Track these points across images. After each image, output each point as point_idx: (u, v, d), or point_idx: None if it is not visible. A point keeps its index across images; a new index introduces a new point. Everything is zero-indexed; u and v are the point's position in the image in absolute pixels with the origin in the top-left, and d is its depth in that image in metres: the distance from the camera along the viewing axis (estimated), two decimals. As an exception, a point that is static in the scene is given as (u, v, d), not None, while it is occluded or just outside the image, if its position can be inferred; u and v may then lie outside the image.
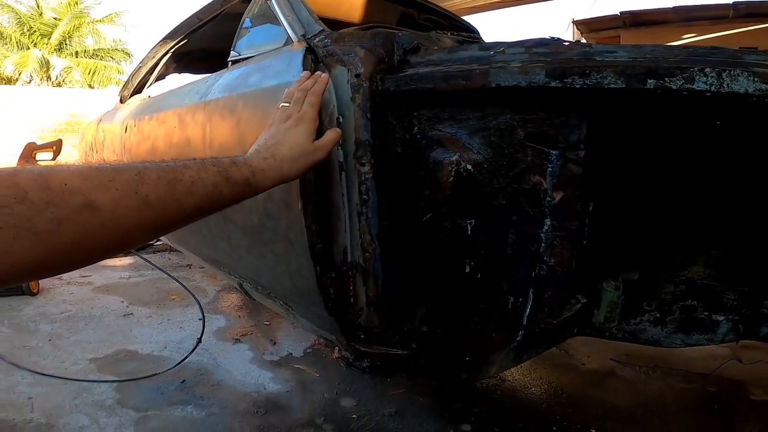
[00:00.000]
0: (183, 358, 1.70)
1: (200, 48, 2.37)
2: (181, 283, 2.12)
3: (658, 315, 0.94)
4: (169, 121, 1.48)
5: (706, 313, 0.95)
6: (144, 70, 2.44)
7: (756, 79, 0.53)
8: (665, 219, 0.84)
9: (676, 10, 4.93)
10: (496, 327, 0.79)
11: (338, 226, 0.93)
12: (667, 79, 0.55)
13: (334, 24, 1.23)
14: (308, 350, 1.85)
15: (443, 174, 0.77)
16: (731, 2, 4.50)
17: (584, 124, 0.65)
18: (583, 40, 5.47)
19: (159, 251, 3.38)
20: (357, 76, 0.89)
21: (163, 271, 2.05)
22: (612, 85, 0.59)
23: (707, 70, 0.54)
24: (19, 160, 2.40)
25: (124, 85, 2.58)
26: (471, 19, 2.24)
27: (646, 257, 0.92)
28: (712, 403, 1.43)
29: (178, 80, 2.49)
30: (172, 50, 2.28)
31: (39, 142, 2.46)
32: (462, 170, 0.75)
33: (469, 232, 0.77)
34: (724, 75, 0.53)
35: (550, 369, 1.69)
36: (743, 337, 0.94)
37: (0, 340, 1.92)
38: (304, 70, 0.93)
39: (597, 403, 1.46)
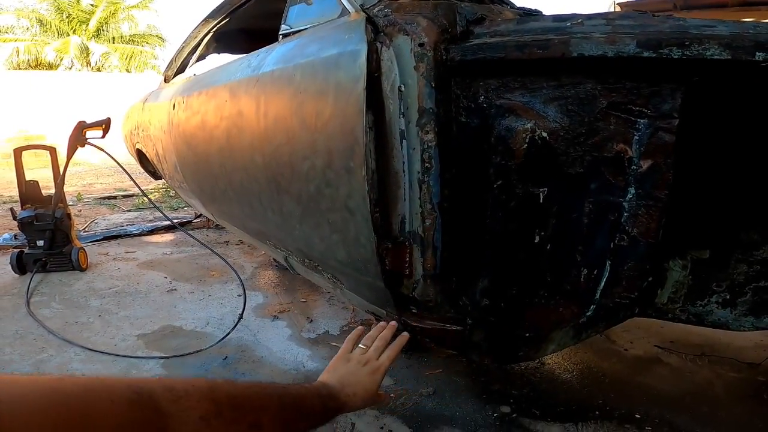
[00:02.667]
0: (225, 335, 1.73)
1: (241, 27, 2.37)
2: (225, 261, 2.16)
3: (728, 296, 0.89)
4: (219, 95, 1.48)
5: None
6: (187, 50, 2.46)
7: None
8: (747, 195, 0.79)
9: (735, -7, 4.59)
10: (565, 301, 0.77)
11: (397, 194, 0.92)
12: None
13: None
14: (344, 328, 1.86)
15: (516, 141, 0.74)
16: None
17: (678, 94, 0.62)
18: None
19: (197, 228, 3.45)
20: (421, 45, 0.87)
21: (208, 248, 2.09)
22: (716, 57, 0.56)
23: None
24: (70, 138, 2.46)
25: (168, 66, 2.62)
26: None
27: (720, 235, 0.87)
28: (761, 393, 1.38)
29: (219, 61, 2.50)
30: (214, 30, 2.29)
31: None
32: (537, 137, 0.72)
33: (541, 201, 0.74)
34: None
35: (590, 354, 1.64)
36: None
37: (52, 315, 1.99)
38: (366, 40, 0.91)
39: (641, 389, 1.42)
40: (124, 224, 3.70)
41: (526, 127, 0.73)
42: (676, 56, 0.59)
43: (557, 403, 1.36)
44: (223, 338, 1.72)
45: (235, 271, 2.11)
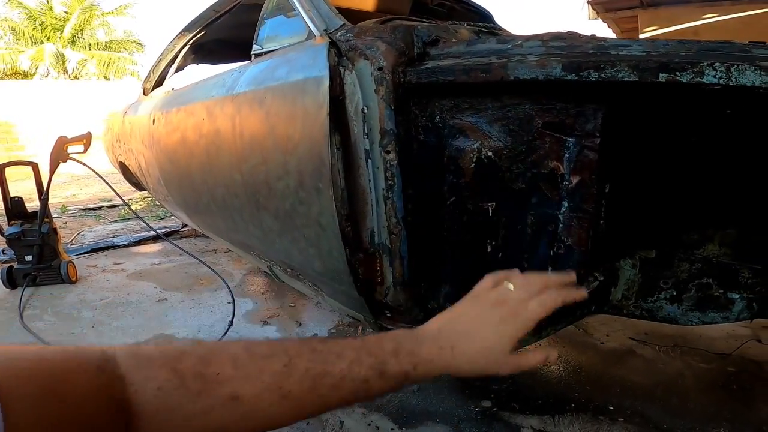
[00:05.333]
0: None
1: (217, 39, 2.42)
2: (212, 269, 2.22)
3: (674, 293, 0.98)
4: (197, 113, 1.55)
5: (721, 291, 0.97)
6: (164, 63, 2.51)
7: (763, 72, 0.56)
8: (680, 199, 0.88)
9: (697, -12, 4.68)
10: (516, 303, 0.84)
11: (366, 210, 0.99)
12: (678, 72, 0.59)
13: (347, 12, 1.26)
14: (332, 331, 1.93)
15: (465, 160, 0.82)
16: (753, -19, 4.28)
17: (600, 114, 0.69)
18: (599, 21, 5.30)
19: (185, 237, 3.50)
20: (380, 69, 0.94)
21: (194, 257, 2.14)
22: (626, 79, 0.63)
23: (716, 64, 0.57)
24: (51, 154, 2.50)
25: (145, 78, 2.65)
26: (482, 1, 2.22)
27: (663, 236, 0.96)
28: (731, 383, 1.44)
29: (198, 72, 2.54)
30: (190, 42, 2.34)
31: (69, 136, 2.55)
32: (483, 156, 0.80)
33: (491, 214, 0.82)
34: (732, 69, 0.57)
35: (569, 348, 1.72)
36: (758, 316, 0.96)
37: (46, 328, 2.05)
38: (328, 64, 0.98)
39: (616, 381, 1.48)
40: (111, 235, 3.73)
41: (473, 147, 0.81)
42: (594, 79, 0.66)
43: (536, 397, 1.42)
44: (213, 346, 1.78)
45: (223, 279, 2.17)
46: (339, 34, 1.08)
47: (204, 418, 0.45)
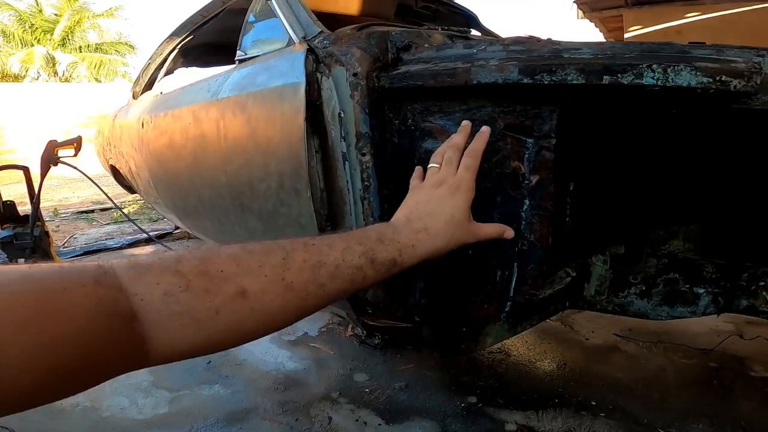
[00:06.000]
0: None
1: (205, 43, 2.46)
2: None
3: (643, 288, 1.02)
4: (184, 117, 1.58)
5: (688, 286, 1.01)
6: (153, 67, 2.54)
7: (698, 73, 0.60)
8: (643, 195, 0.92)
9: (680, -13, 4.74)
10: (487, 299, 0.89)
11: (344, 210, 1.03)
12: (619, 75, 0.63)
13: (334, 17, 1.30)
14: (323, 329, 1.95)
15: (434, 162, 0.86)
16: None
17: (555, 115, 0.73)
18: (587, 21, 5.35)
19: (178, 239, 3.53)
20: (355, 75, 0.98)
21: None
22: (574, 81, 0.67)
23: (654, 66, 0.61)
24: (42, 158, 2.53)
25: (135, 82, 2.69)
26: (471, 2, 2.25)
27: (631, 232, 1.00)
28: (711, 379, 1.47)
29: (186, 75, 2.58)
30: (179, 46, 2.38)
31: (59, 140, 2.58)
32: (450, 158, 0.84)
33: (459, 213, 0.86)
34: (669, 70, 0.61)
35: (554, 344, 1.76)
36: (723, 310, 1.00)
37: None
38: (306, 71, 1.02)
39: (599, 377, 1.52)
40: (104, 238, 3.75)
41: (442, 149, 0.85)
42: (547, 82, 0.71)
43: (520, 392, 1.46)
44: (205, 345, 1.81)
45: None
46: (317, 41, 1.12)
47: (214, 319, 0.44)
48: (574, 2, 4.97)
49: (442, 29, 1.21)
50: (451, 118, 0.87)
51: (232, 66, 1.50)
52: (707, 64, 0.61)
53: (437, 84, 0.85)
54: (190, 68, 2.77)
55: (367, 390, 1.49)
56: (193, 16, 2.17)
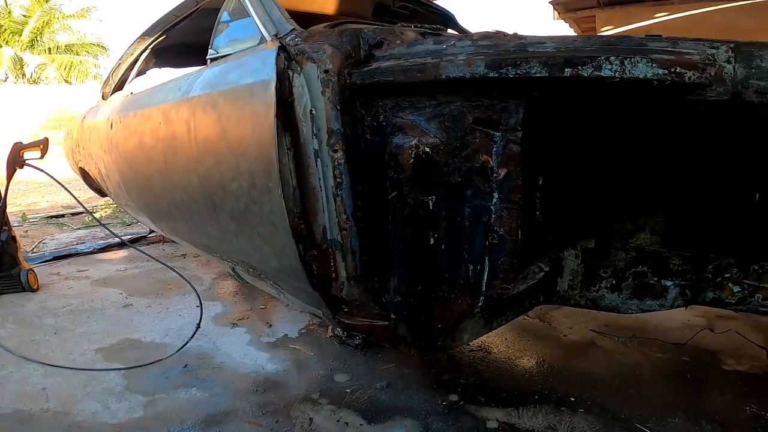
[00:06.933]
0: (183, 344, 1.79)
1: (179, 43, 2.42)
2: (177, 272, 2.20)
3: (613, 281, 1.04)
4: (154, 117, 1.56)
5: (656, 279, 1.04)
6: (123, 67, 2.49)
7: (654, 65, 0.62)
8: (609, 188, 0.94)
9: (649, -12, 4.87)
10: (460, 294, 0.90)
11: (317, 207, 1.03)
12: (580, 67, 0.65)
13: (311, 17, 1.30)
14: (303, 331, 1.93)
15: (405, 156, 0.88)
16: (703, -19, 4.46)
17: (521, 109, 0.75)
18: (562, 21, 5.45)
19: (153, 243, 3.45)
20: (326, 71, 0.98)
21: (160, 262, 2.12)
22: (538, 74, 0.68)
23: (612, 58, 0.63)
24: (7, 161, 2.44)
25: (104, 83, 2.63)
26: (449, 2, 2.27)
27: (599, 225, 1.02)
28: (685, 373, 1.50)
29: (159, 76, 2.53)
30: (151, 46, 2.34)
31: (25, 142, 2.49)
32: (421, 152, 0.86)
33: (431, 207, 0.87)
34: (626, 62, 0.63)
35: (533, 340, 1.78)
36: (691, 302, 1.03)
37: (7, 335, 2.01)
38: (277, 68, 1.01)
39: (577, 373, 1.54)
40: (75, 243, 3.65)
41: (412, 144, 0.87)
42: (512, 75, 0.72)
43: (501, 390, 1.46)
44: (181, 347, 1.78)
45: (189, 282, 2.16)
46: (289, 38, 1.12)
47: None
48: (550, 3, 5.06)
49: (415, 26, 1.23)
50: (421, 113, 0.88)
51: (204, 66, 1.48)
52: (662, 56, 0.63)
53: (407, 79, 0.86)
54: (163, 69, 2.72)
55: (348, 390, 1.48)
56: (166, 15, 2.14)
